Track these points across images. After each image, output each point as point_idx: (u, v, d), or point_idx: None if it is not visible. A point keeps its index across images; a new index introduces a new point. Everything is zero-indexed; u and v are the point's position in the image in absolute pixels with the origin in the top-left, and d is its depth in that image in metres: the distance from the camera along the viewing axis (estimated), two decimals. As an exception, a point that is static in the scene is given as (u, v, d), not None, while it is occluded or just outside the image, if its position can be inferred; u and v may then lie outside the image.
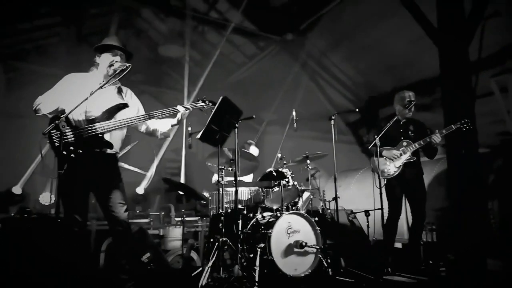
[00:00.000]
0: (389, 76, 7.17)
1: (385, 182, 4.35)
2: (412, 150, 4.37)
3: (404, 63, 6.91)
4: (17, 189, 6.64)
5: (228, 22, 7.47)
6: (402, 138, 4.46)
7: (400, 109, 4.50)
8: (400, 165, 4.37)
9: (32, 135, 3.22)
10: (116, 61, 3.15)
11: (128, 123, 3.12)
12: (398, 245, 4.94)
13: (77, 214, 2.97)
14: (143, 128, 3.41)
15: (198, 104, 3.45)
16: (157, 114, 3.20)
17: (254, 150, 5.70)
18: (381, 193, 4.18)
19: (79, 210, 2.99)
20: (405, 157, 4.38)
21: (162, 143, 7.79)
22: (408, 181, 4.37)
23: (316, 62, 8.26)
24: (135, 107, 3.36)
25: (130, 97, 3.38)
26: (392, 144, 4.46)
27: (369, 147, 4.32)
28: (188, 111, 3.35)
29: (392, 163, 4.40)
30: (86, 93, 2.78)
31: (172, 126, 3.43)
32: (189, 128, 4.18)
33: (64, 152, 2.79)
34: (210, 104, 3.51)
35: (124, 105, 3.12)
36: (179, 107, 3.31)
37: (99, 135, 2.97)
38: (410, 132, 4.49)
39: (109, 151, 3.06)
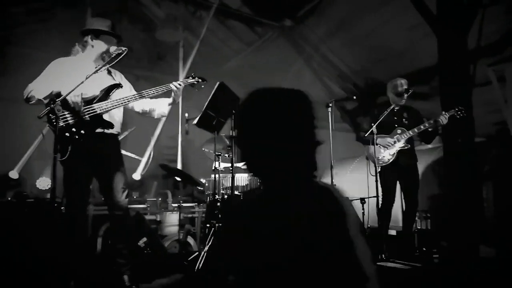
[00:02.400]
0: (387, 63, 7.14)
1: (379, 170, 4.33)
2: (407, 137, 4.37)
3: (402, 51, 6.87)
4: (14, 174, 6.62)
5: (213, 3, 7.30)
6: (396, 125, 4.46)
7: (393, 97, 4.49)
8: (394, 153, 4.37)
9: (28, 120, 3.21)
10: (112, 46, 3.16)
11: (125, 102, 3.13)
12: (392, 232, 4.98)
13: (78, 198, 2.98)
14: (139, 108, 3.40)
15: (189, 80, 3.41)
16: (151, 92, 3.20)
17: None
18: (376, 181, 4.21)
19: (80, 194, 3.00)
20: (399, 145, 4.38)
21: (157, 127, 7.74)
22: (402, 168, 4.38)
23: (314, 49, 8.20)
24: (127, 88, 3.37)
25: (120, 78, 3.39)
26: (386, 132, 4.44)
27: (365, 135, 4.33)
28: (180, 87, 3.31)
29: (387, 150, 4.40)
30: (78, 76, 2.77)
31: (169, 105, 3.43)
32: (186, 114, 4.17)
33: (67, 134, 2.79)
34: (200, 80, 3.44)
35: (119, 85, 3.15)
36: (171, 84, 3.29)
37: (99, 115, 2.98)
38: (404, 120, 4.48)
39: (110, 131, 3.08)
